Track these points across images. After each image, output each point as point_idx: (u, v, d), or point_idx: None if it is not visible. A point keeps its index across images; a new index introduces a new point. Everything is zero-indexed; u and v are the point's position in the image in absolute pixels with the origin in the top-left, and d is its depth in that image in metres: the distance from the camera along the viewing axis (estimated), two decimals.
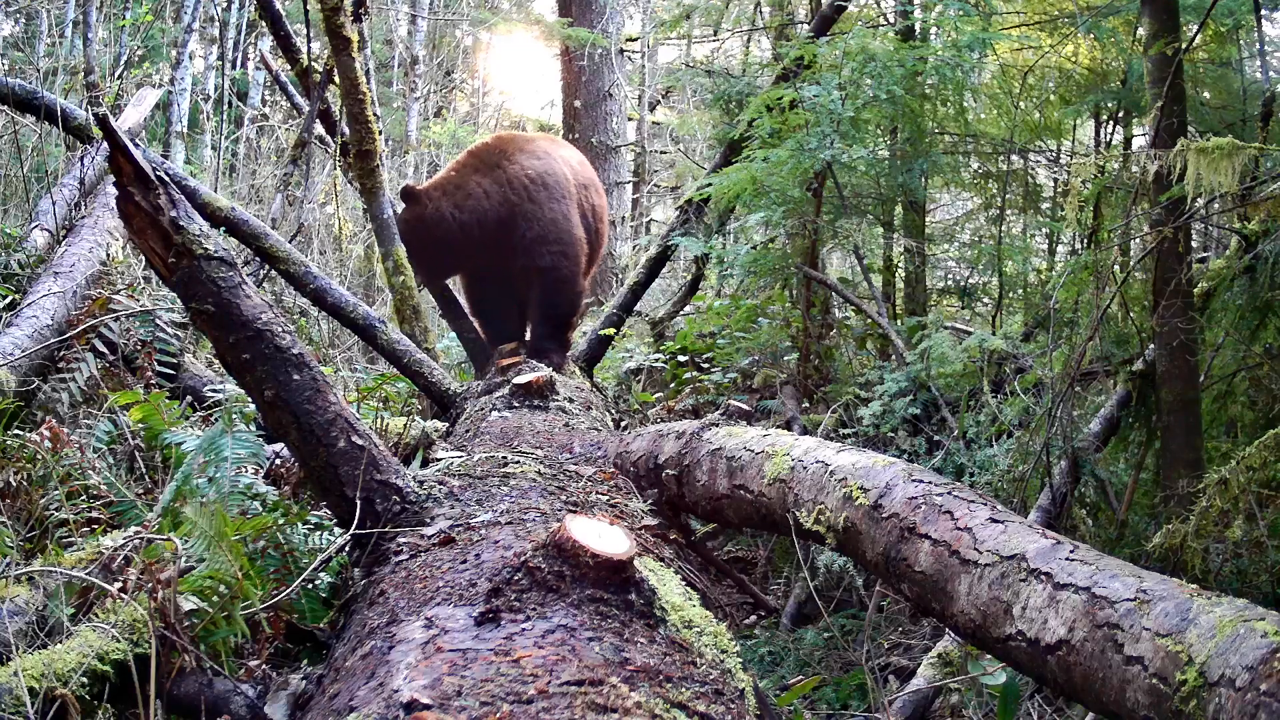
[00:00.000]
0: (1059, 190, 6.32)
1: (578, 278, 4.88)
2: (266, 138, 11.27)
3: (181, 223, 2.22)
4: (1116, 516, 3.68)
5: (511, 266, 4.86)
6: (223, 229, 4.78)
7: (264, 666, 2.21)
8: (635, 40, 11.67)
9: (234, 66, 11.31)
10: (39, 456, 2.94)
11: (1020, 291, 6.04)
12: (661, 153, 12.78)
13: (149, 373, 4.15)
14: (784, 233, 5.63)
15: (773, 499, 2.55)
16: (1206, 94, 5.39)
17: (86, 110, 5.46)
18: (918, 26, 5.87)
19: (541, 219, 4.74)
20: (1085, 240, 5.68)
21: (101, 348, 4.05)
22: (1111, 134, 6.17)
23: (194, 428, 3.59)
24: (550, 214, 4.77)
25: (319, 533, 2.67)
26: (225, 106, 10.30)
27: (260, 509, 2.74)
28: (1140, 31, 4.53)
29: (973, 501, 2.02)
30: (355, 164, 5.32)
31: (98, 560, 2.31)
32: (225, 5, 10.96)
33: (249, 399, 2.60)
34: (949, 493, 2.07)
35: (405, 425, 4.17)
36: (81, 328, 4.01)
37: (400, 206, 5.10)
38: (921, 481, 2.14)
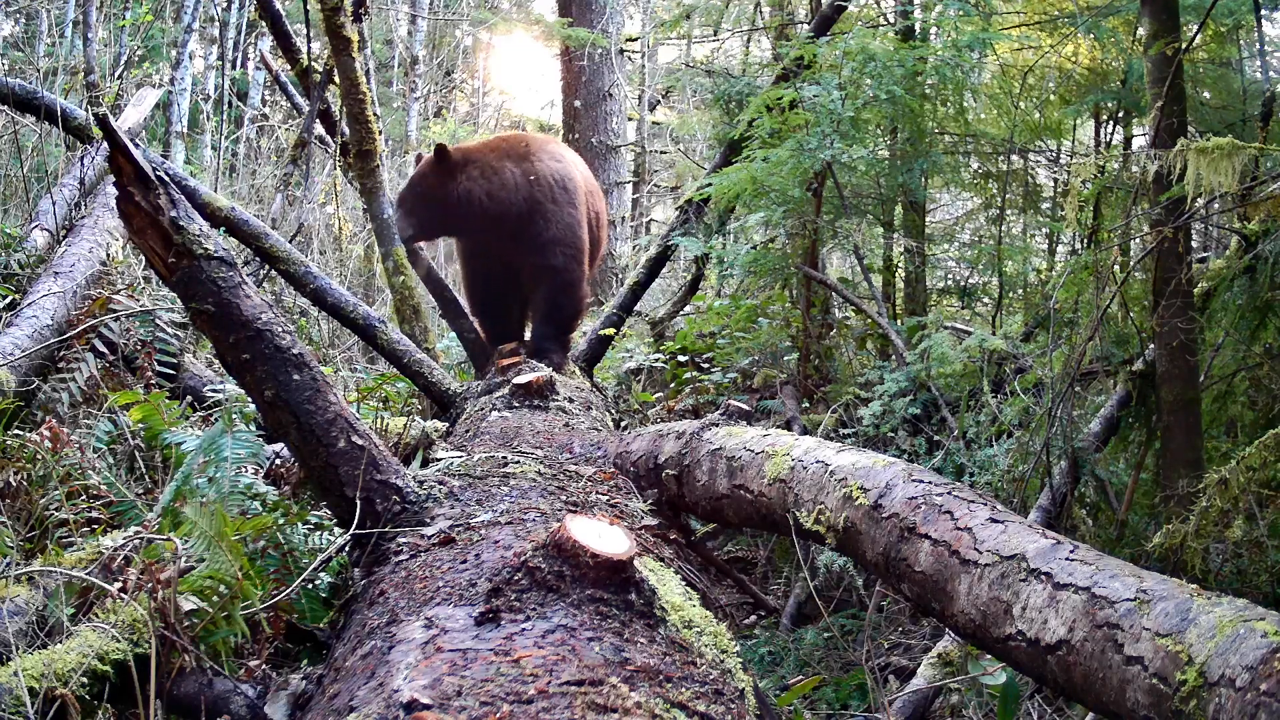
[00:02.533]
0: (1059, 190, 6.32)
1: (584, 282, 4.90)
2: (266, 138, 11.27)
3: (181, 223, 2.22)
4: (1116, 516, 3.68)
5: (518, 263, 4.85)
6: (223, 229, 4.77)
7: (264, 666, 2.21)
8: (635, 40, 11.67)
9: (234, 66, 11.31)
10: (39, 456, 2.94)
11: (1020, 291, 6.04)
12: (661, 153, 12.78)
13: (149, 373, 4.15)
14: (784, 233, 5.64)
15: (773, 499, 2.55)
16: (1206, 94, 5.40)
17: (86, 110, 5.46)
18: (918, 26, 5.87)
19: (560, 220, 4.75)
20: (1085, 240, 5.68)
21: (101, 348, 4.05)
22: (1111, 134, 6.18)
23: (194, 428, 3.59)
24: (568, 218, 4.79)
25: (319, 533, 2.67)
26: (225, 106, 10.30)
27: (260, 509, 2.74)
28: (1140, 31, 4.53)
29: (973, 501, 2.02)
30: (355, 164, 5.32)
31: (98, 560, 2.31)
32: (225, 5, 10.96)
33: (249, 399, 2.60)
34: (949, 493, 2.07)
35: (405, 425, 4.17)
36: (81, 328, 4.01)
37: (401, 206, 5.06)
38: (921, 481, 2.14)
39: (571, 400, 4.02)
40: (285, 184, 7.08)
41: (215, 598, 2.18)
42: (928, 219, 6.20)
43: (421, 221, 4.77)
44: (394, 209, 4.89)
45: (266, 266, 5.38)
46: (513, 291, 5.03)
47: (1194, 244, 4.05)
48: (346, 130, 5.42)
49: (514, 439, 3.39)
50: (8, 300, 4.33)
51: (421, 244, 5.28)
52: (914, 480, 2.15)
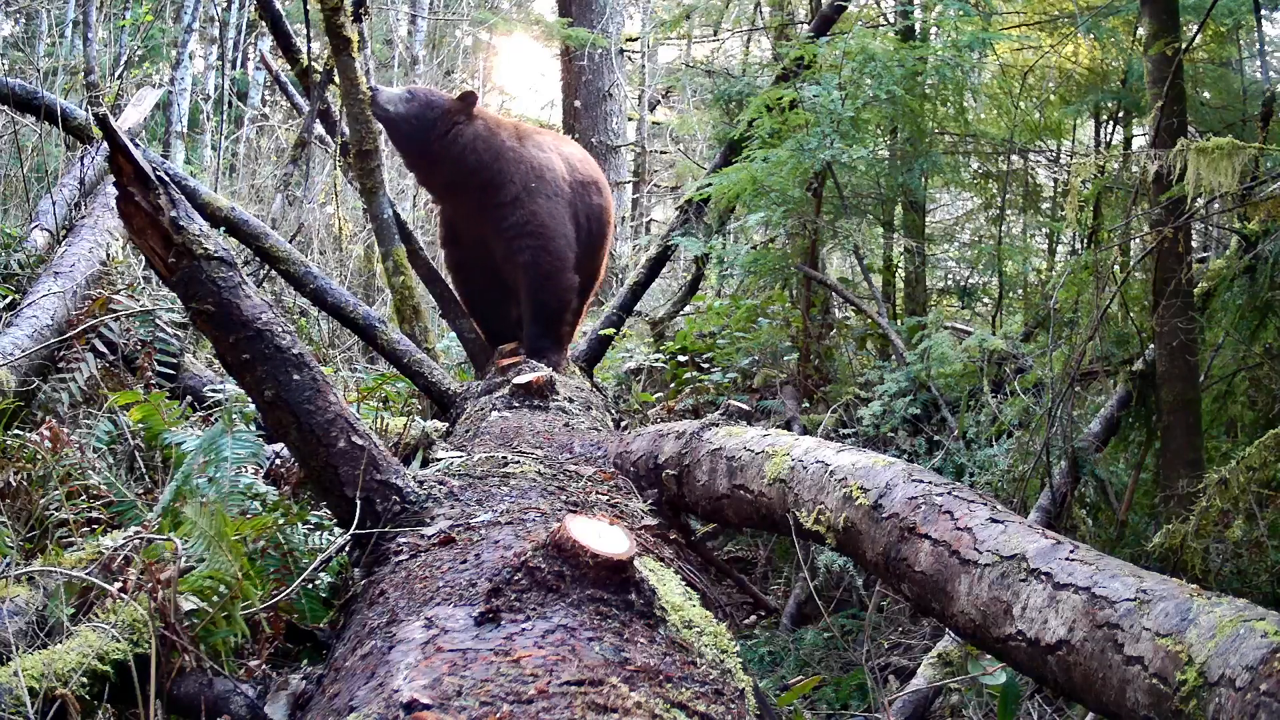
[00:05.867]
0: (1059, 190, 6.32)
1: (563, 273, 4.81)
2: (266, 138, 11.26)
3: (181, 223, 2.22)
4: (1116, 516, 3.68)
5: (494, 253, 4.85)
6: (223, 229, 4.77)
7: (264, 666, 2.21)
8: (635, 40, 11.68)
9: (234, 66, 11.31)
10: (39, 456, 2.94)
11: (1020, 291, 6.04)
12: (661, 153, 12.78)
13: (149, 373, 4.15)
14: (784, 233, 5.64)
15: (773, 499, 2.55)
16: (1206, 94, 5.40)
17: (86, 110, 5.46)
18: (918, 26, 5.87)
19: (524, 207, 4.71)
20: (1085, 240, 5.68)
21: (101, 348, 4.05)
22: (1111, 134, 6.18)
23: (194, 428, 3.59)
24: (533, 206, 4.74)
25: (319, 533, 2.67)
26: (225, 106, 10.30)
27: (260, 509, 2.74)
28: (1140, 31, 4.53)
29: (973, 501, 2.02)
30: (355, 164, 5.32)
31: (98, 560, 2.31)
32: (225, 5, 10.96)
33: (249, 399, 2.60)
34: (949, 493, 2.07)
35: (405, 425, 4.17)
36: (81, 328, 4.01)
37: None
38: (921, 481, 2.14)
39: (571, 400, 4.02)
40: (285, 184, 7.08)
41: (215, 598, 2.18)
42: (928, 219, 6.20)
43: (410, 117, 4.76)
44: (405, 92, 4.87)
45: (266, 266, 5.38)
46: (502, 289, 5.02)
47: (1194, 244, 4.05)
48: (346, 130, 5.42)
49: (514, 439, 3.39)
50: (8, 300, 4.33)
51: (419, 245, 5.28)
52: (914, 480, 2.15)
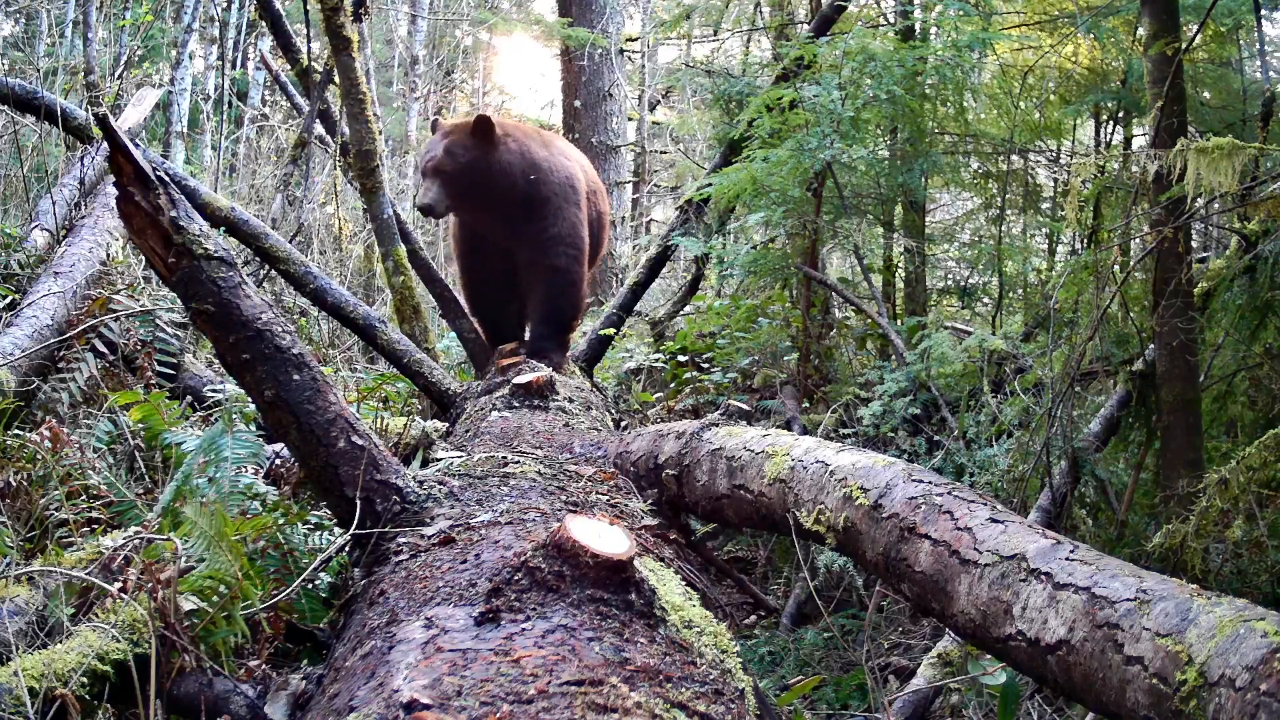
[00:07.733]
0: (1059, 190, 6.32)
1: (583, 282, 4.88)
2: (266, 138, 11.27)
3: (181, 223, 2.22)
4: (1116, 516, 3.68)
5: (516, 259, 4.84)
6: (223, 229, 4.77)
7: (264, 666, 2.21)
8: (635, 40, 11.68)
9: (234, 66, 11.31)
10: (39, 456, 2.94)
11: (1020, 291, 6.05)
12: (661, 153, 12.78)
13: (149, 373, 4.15)
14: (784, 233, 5.64)
15: (773, 499, 2.55)
16: (1206, 94, 5.40)
17: (86, 110, 5.46)
18: (918, 26, 5.87)
19: (565, 218, 4.73)
20: (1085, 240, 5.69)
21: (101, 348, 4.05)
22: (1111, 134, 6.18)
23: (194, 428, 3.59)
24: (572, 216, 4.77)
25: (319, 533, 2.67)
26: (225, 106, 10.30)
27: (260, 509, 2.74)
28: (1140, 31, 4.53)
29: (973, 501, 2.02)
30: (355, 164, 5.32)
31: (98, 560, 2.31)
32: (225, 5, 10.96)
33: (249, 399, 2.60)
34: (949, 493, 2.07)
35: (405, 425, 4.17)
36: (81, 328, 4.01)
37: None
38: (921, 481, 2.14)
39: (571, 400, 4.02)
40: (285, 184, 7.09)
41: (215, 598, 2.18)
42: (928, 219, 6.21)
43: (456, 193, 4.52)
44: (425, 178, 4.55)
45: (266, 266, 5.38)
46: (511, 291, 5.02)
47: (1194, 244, 4.05)
48: (346, 130, 5.42)
49: (514, 439, 3.39)
50: (8, 300, 4.33)
51: (419, 245, 5.27)
52: (914, 480, 2.15)
